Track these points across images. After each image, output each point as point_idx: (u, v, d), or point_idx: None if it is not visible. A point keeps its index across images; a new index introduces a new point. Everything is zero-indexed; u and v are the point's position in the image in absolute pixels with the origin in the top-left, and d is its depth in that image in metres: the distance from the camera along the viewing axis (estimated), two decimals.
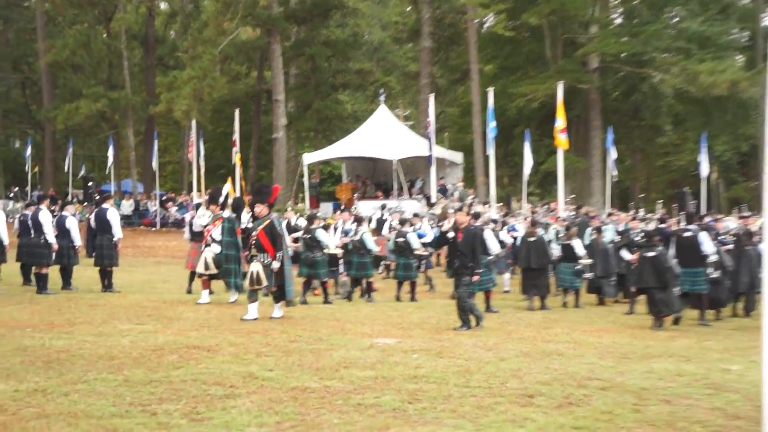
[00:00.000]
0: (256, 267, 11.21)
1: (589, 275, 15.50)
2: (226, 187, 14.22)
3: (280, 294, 11.38)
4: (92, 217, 17.12)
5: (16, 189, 39.45)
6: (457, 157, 32.09)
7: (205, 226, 13.82)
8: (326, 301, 14.52)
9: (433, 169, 27.12)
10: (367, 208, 27.31)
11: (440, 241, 11.79)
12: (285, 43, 37.58)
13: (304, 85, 41.01)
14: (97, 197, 25.30)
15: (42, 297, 13.97)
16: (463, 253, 10.82)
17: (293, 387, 6.90)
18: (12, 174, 51.47)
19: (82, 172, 40.45)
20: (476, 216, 13.51)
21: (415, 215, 19.08)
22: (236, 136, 30.50)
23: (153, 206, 35.03)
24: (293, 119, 38.19)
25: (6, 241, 14.78)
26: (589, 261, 15.29)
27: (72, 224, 15.49)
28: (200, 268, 13.52)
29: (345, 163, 35.41)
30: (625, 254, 14.49)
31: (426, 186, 29.80)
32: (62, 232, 15.40)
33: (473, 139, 32.24)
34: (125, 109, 36.63)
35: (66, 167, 36.72)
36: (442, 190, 29.76)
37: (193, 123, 31.74)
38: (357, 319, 11.93)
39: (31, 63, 44.33)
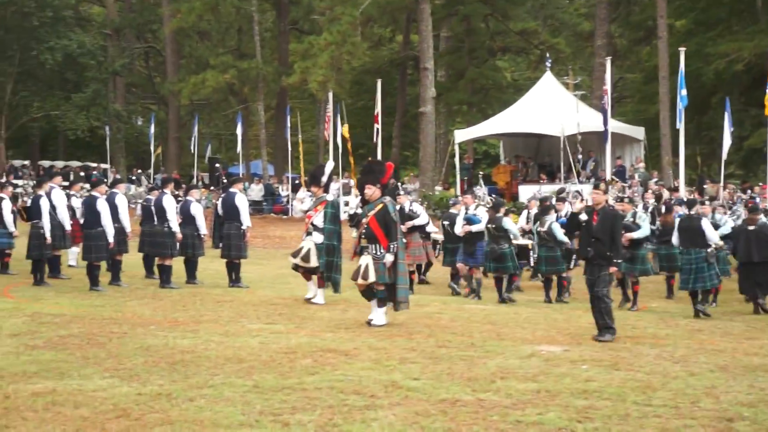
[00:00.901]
0: (365, 260, 10.88)
1: None
2: (330, 165, 13.60)
3: (389, 293, 10.97)
4: (219, 203, 17.92)
5: (139, 172, 41.94)
6: (638, 132, 31.12)
7: (306, 212, 13.60)
8: (501, 300, 15.06)
9: (608, 147, 26.45)
10: (528, 193, 27.03)
11: (571, 225, 11.35)
12: (435, 1, 37.70)
13: (457, 49, 41.04)
14: (225, 181, 26.50)
15: (165, 291, 14.78)
16: (599, 240, 10.47)
17: (442, 399, 6.96)
18: (135, 155, 54.71)
19: (208, 153, 42.36)
20: (658, 198, 12.97)
21: (560, 199, 18.91)
22: (378, 111, 30.98)
23: (285, 191, 36.15)
24: (443, 90, 38.32)
25: (128, 229, 15.72)
26: None
27: (197, 211, 16.27)
28: (297, 260, 13.26)
29: (503, 140, 35.19)
30: None
31: (599, 167, 29.11)
32: (186, 219, 16.20)
33: (659, 111, 31.13)
34: (255, 80, 37.96)
35: (191, 147, 38.55)
36: (620, 172, 28.95)
37: (330, 96, 32.50)
38: (515, 323, 11.86)
39: (156, 30, 46.78)
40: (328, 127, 32.97)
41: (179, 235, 15.75)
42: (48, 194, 15.91)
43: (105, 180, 18.19)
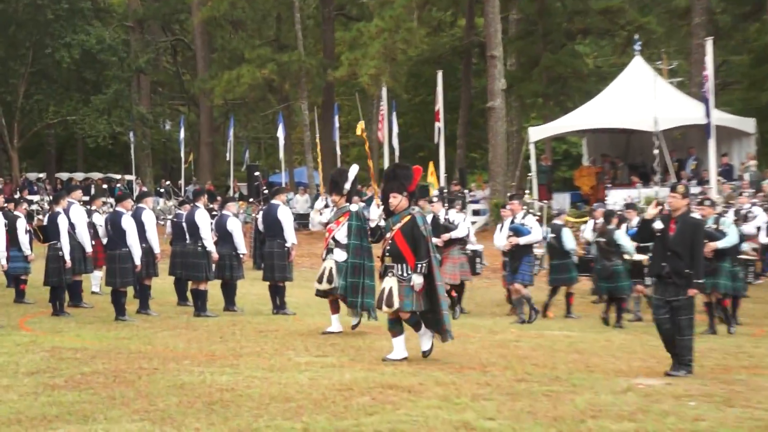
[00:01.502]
0: (389, 283, 10.49)
1: None
2: (354, 170, 13.04)
3: (433, 320, 10.63)
4: (259, 217, 18.11)
5: (168, 183, 42.53)
6: (748, 124, 30.61)
7: (325, 225, 13.24)
8: (618, 324, 15.12)
9: (712, 143, 26.04)
10: (618, 198, 26.75)
11: (642, 234, 10.90)
12: None
13: (530, 33, 40.80)
14: (266, 191, 26.68)
15: (201, 320, 14.91)
16: (677, 254, 10.00)
17: None
18: (162, 164, 55.51)
19: (245, 160, 42.76)
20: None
21: (630, 206, 18.65)
22: (439, 106, 30.98)
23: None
24: (515, 81, 38.16)
25: (157, 250, 15.91)
26: None
27: (235, 227, 16.42)
28: (322, 285, 12.99)
29: (586, 138, 34.93)
30: None
31: (702, 166, 28.68)
32: (223, 236, 16.36)
33: None
34: (297, 75, 38.27)
35: (226, 153, 38.99)
36: (726, 172, 28.46)
37: (384, 91, 32.60)
38: (607, 351, 11.73)
39: (183, 21, 47.53)
40: (381, 127, 33.06)
41: (215, 256, 15.89)
42: (66, 211, 16.17)
43: (130, 193, 18.45)
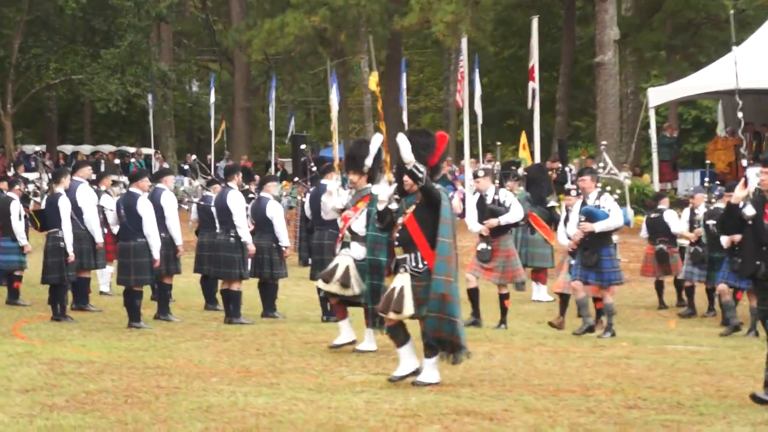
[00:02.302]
0: (401, 281, 10.32)
1: None
2: (377, 140, 12.44)
3: (404, 334, 10.56)
4: (307, 201, 18.14)
5: (194, 158, 42.90)
6: None
7: (341, 211, 12.95)
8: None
9: None
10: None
11: (727, 222, 10.40)
12: None
13: None
14: (314, 168, 26.76)
15: (233, 328, 15.04)
16: None
17: None
18: (187, 134, 55.97)
19: (290, 130, 42.97)
20: None
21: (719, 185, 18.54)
22: (534, 62, 30.78)
23: None
24: (631, 30, 37.78)
25: (179, 241, 16.07)
26: None
27: (276, 212, 16.49)
28: (330, 285, 12.70)
29: (722, 101, 34.43)
30: None
31: None
32: (261, 225, 16.48)
33: None
34: (356, 23, 38.27)
35: (267, 122, 39.17)
36: None
37: (464, 43, 32.50)
38: (745, 371, 11.59)
39: None
40: (461, 89, 32.94)
41: (251, 248, 15.99)
42: (72, 192, 16.38)
43: (147, 171, 18.65)
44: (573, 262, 15.33)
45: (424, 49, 51.90)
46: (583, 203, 15.13)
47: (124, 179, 18.96)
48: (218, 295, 16.96)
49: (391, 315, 10.32)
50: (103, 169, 32.88)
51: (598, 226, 14.70)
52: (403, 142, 10.36)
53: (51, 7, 41.84)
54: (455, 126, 43.08)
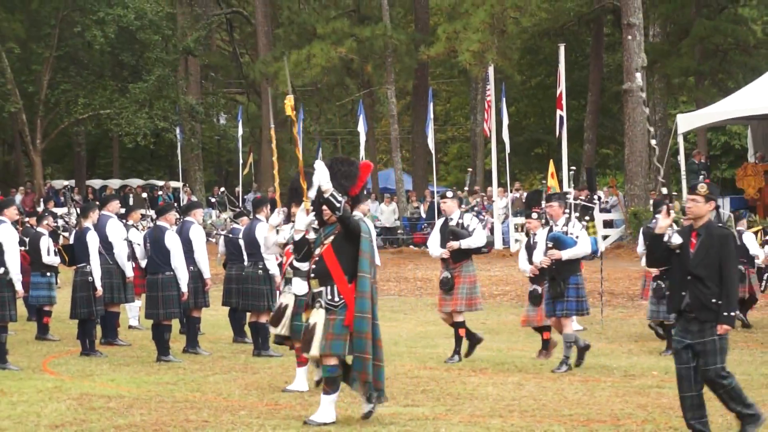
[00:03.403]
0: (314, 317, 10.11)
1: None
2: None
3: (353, 372, 10.16)
4: None
5: (222, 191, 43.05)
6: None
7: (284, 246, 12.42)
8: None
9: None
10: None
11: (654, 252, 9.74)
12: None
13: None
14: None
15: (261, 361, 15.05)
16: (698, 278, 9.19)
17: None
18: (216, 167, 56.17)
19: (318, 160, 43.06)
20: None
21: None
22: (561, 90, 30.81)
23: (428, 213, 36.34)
24: (659, 56, 37.77)
25: (207, 274, 16.11)
26: None
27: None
28: (281, 329, 12.19)
29: (751, 126, 34.32)
30: None
31: None
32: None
33: None
34: (383, 54, 38.40)
35: (295, 153, 39.26)
36: None
37: (491, 72, 32.55)
38: None
39: None
40: (488, 118, 33.00)
41: (280, 280, 16.01)
42: (99, 226, 16.47)
43: (174, 204, 18.68)
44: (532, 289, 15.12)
45: (451, 79, 51.95)
46: (551, 229, 14.63)
47: (152, 213, 19.00)
48: (246, 328, 16.97)
49: (310, 353, 10.08)
50: (131, 203, 33.05)
51: (566, 254, 14.16)
52: (321, 169, 10.21)
53: (79, 43, 42.19)
54: (483, 155, 43.12)
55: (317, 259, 10.17)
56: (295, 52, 38.48)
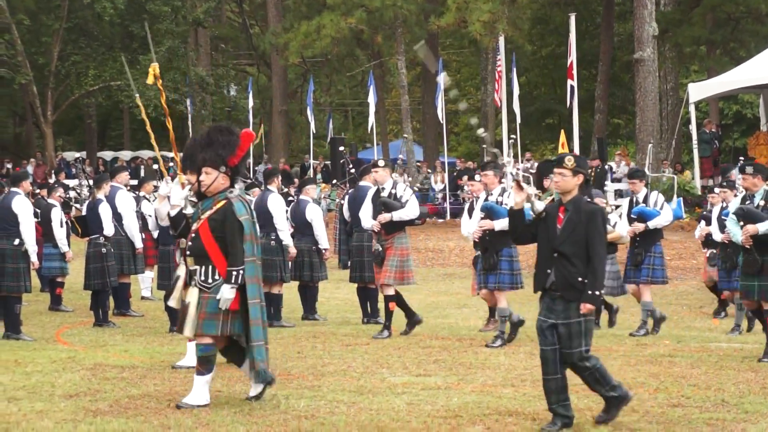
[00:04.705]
0: (189, 296, 9.60)
1: None
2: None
3: (237, 353, 9.82)
4: (345, 203, 18.17)
5: None
6: None
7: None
8: None
9: None
10: None
11: (515, 228, 9.19)
12: None
13: None
14: (353, 170, 26.85)
15: (273, 332, 15.02)
16: (564, 255, 8.73)
17: None
18: None
19: (329, 132, 43.07)
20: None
21: (729, 185, 17.13)
22: (572, 60, 30.72)
23: (439, 184, 36.32)
24: (670, 25, 37.58)
25: None
26: None
27: (315, 215, 16.57)
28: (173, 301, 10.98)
29: (762, 96, 34.22)
30: None
31: None
32: (301, 227, 16.60)
33: None
34: (392, 24, 38.30)
35: (306, 124, 39.20)
36: None
37: (501, 42, 32.44)
38: None
39: None
40: (498, 88, 32.93)
41: (292, 251, 16.05)
42: (109, 198, 16.50)
43: None
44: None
45: (461, 49, 51.81)
46: (486, 199, 14.08)
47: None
48: None
49: (185, 332, 9.65)
50: (143, 174, 33.07)
51: (498, 224, 13.41)
52: (175, 190, 9.95)
53: (89, 14, 42.19)
54: (494, 126, 43.02)
55: (193, 235, 9.61)
56: (305, 22, 38.39)
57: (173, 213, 10.04)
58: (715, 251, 16.63)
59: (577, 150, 29.84)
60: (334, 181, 33.41)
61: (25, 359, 12.24)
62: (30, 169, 38.65)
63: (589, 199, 9.26)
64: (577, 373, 8.82)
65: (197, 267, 9.54)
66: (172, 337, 14.47)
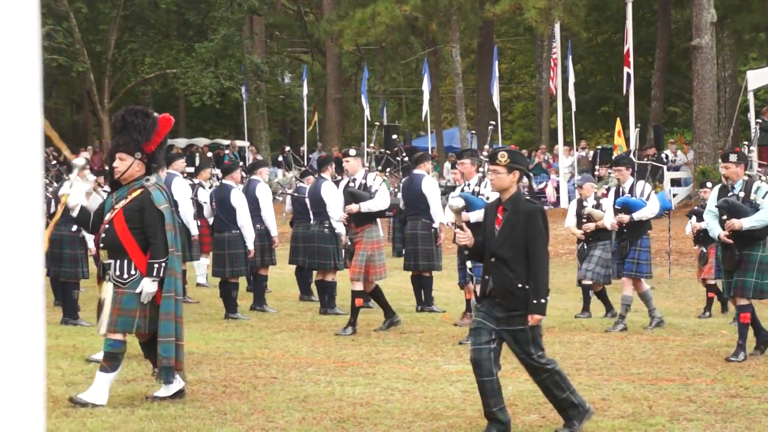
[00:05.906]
0: (104, 292, 9.10)
1: None
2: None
3: (150, 350, 9.32)
4: (399, 191, 18.17)
5: (288, 150, 43.18)
6: None
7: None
8: None
9: None
10: None
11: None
12: None
13: None
14: (406, 159, 26.82)
15: (328, 319, 15.15)
16: (502, 260, 8.05)
17: None
18: (280, 126, 56.42)
19: (383, 120, 43.07)
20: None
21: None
22: (629, 47, 30.51)
23: None
24: (728, 11, 37.27)
25: (274, 233, 16.23)
26: None
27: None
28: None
29: None
30: None
31: None
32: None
33: None
34: (447, 11, 38.23)
35: (360, 112, 39.25)
36: None
37: (557, 29, 32.30)
38: None
39: None
40: (554, 76, 32.80)
41: (344, 239, 16.07)
42: (167, 185, 16.51)
43: (239, 163, 18.80)
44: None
45: (516, 37, 51.65)
46: (463, 189, 13.71)
47: (218, 172, 19.12)
48: (313, 286, 17.08)
49: (100, 331, 9.16)
50: (198, 162, 33.24)
51: (474, 216, 12.73)
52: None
53: (146, 2, 42.48)
54: (548, 114, 42.89)
55: (107, 226, 8.98)
56: (360, 10, 38.42)
57: (75, 214, 9.27)
58: (705, 250, 16.16)
59: (633, 138, 29.62)
60: (388, 170, 33.38)
61: (83, 344, 12.37)
62: (86, 155, 38.97)
63: (528, 198, 8.60)
64: (533, 376, 8.25)
65: (111, 261, 8.98)
66: (227, 324, 14.59)
